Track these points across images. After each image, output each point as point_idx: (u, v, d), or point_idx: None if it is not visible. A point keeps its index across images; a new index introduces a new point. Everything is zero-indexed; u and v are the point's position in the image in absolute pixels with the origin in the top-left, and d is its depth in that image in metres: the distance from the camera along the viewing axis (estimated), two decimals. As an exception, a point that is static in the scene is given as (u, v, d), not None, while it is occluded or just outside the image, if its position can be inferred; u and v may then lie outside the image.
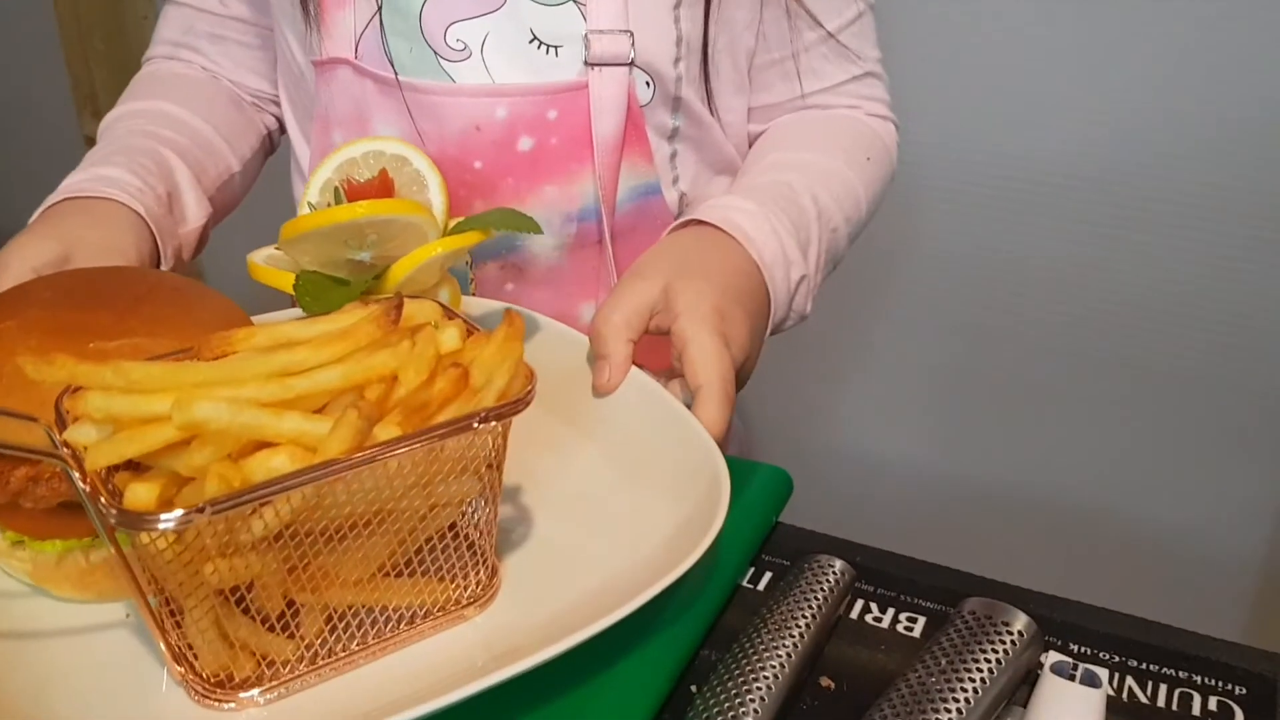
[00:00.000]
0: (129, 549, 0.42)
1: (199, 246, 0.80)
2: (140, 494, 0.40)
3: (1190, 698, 0.49)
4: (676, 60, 0.74)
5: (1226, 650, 0.51)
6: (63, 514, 0.48)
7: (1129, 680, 0.49)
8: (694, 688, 0.49)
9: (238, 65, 0.87)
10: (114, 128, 0.80)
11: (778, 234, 0.69)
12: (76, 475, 0.40)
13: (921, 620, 0.53)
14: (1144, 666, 0.50)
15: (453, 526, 0.48)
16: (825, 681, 0.49)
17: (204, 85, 0.86)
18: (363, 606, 0.47)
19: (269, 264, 0.64)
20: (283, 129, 0.88)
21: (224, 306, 0.55)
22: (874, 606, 0.54)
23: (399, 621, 0.48)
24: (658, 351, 0.63)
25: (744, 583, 0.55)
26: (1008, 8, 1.25)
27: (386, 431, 0.43)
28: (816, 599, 0.51)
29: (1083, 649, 0.51)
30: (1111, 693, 0.48)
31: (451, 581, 0.49)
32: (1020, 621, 0.49)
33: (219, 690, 0.45)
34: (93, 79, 1.89)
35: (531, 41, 0.72)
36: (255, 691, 0.45)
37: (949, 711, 0.44)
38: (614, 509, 0.55)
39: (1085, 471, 1.43)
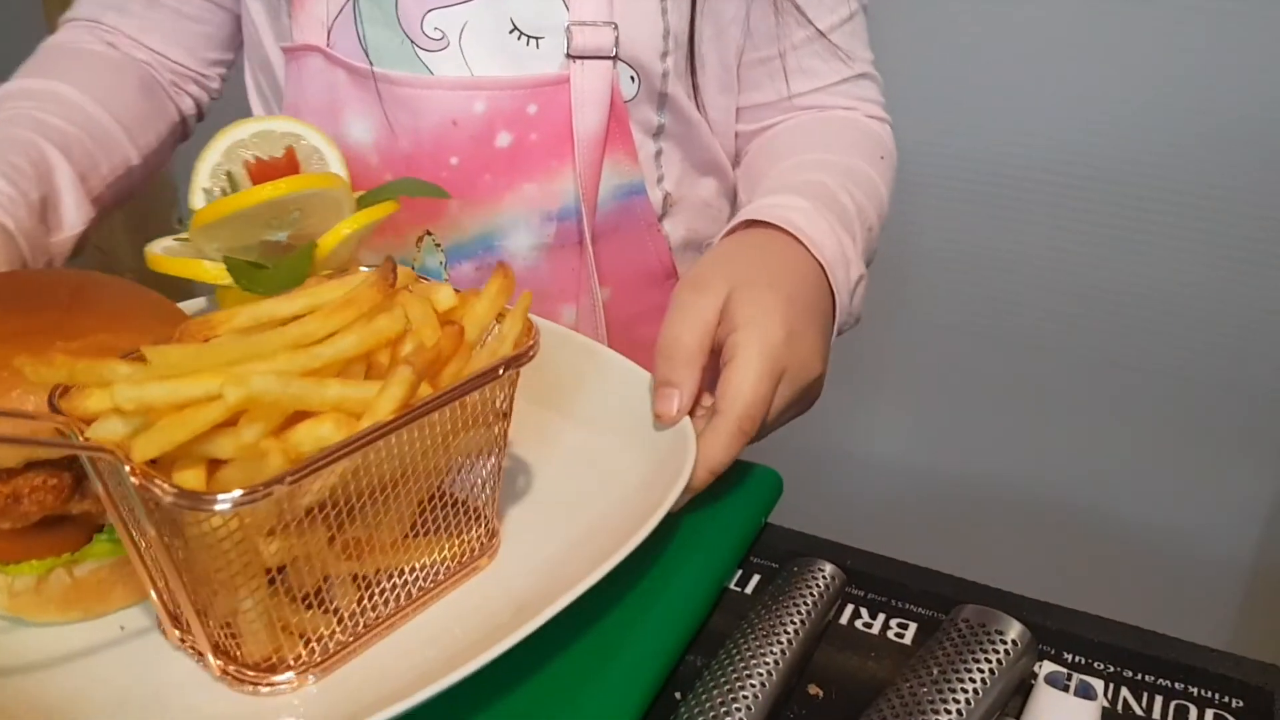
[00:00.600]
0: (172, 542, 0.41)
1: (75, 252, 0.72)
2: (189, 480, 0.40)
3: (1186, 710, 0.47)
4: (664, 54, 0.72)
5: (1223, 661, 0.50)
6: (36, 533, 0.46)
7: (1124, 691, 0.48)
8: (678, 694, 0.47)
9: (167, 36, 0.80)
10: (1, 106, 0.72)
11: (835, 232, 0.65)
12: (127, 469, 0.39)
13: (913, 627, 0.52)
14: (1140, 677, 0.49)
15: (465, 479, 0.49)
16: (813, 689, 0.48)
17: (111, 66, 0.78)
18: (390, 570, 0.47)
19: (170, 254, 0.60)
20: (200, 115, 0.84)
21: (151, 297, 0.53)
22: (864, 612, 0.53)
23: (423, 580, 0.48)
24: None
25: (731, 585, 0.54)
26: (1006, 6, 1.24)
27: (420, 390, 0.44)
28: (806, 604, 0.49)
29: (1077, 658, 0.50)
30: (1106, 704, 0.47)
31: (467, 533, 0.50)
32: (1014, 630, 0.47)
33: (264, 675, 0.44)
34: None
35: (511, 32, 0.69)
36: (290, 674, 0.44)
37: (940, 723, 0.43)
38: (590, 465, 0.57)
39: (1077, 473, 1.43)
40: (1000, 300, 1.38)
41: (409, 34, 0.69)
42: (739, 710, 0.44)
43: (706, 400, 0.57)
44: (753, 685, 0.45)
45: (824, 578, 0.51)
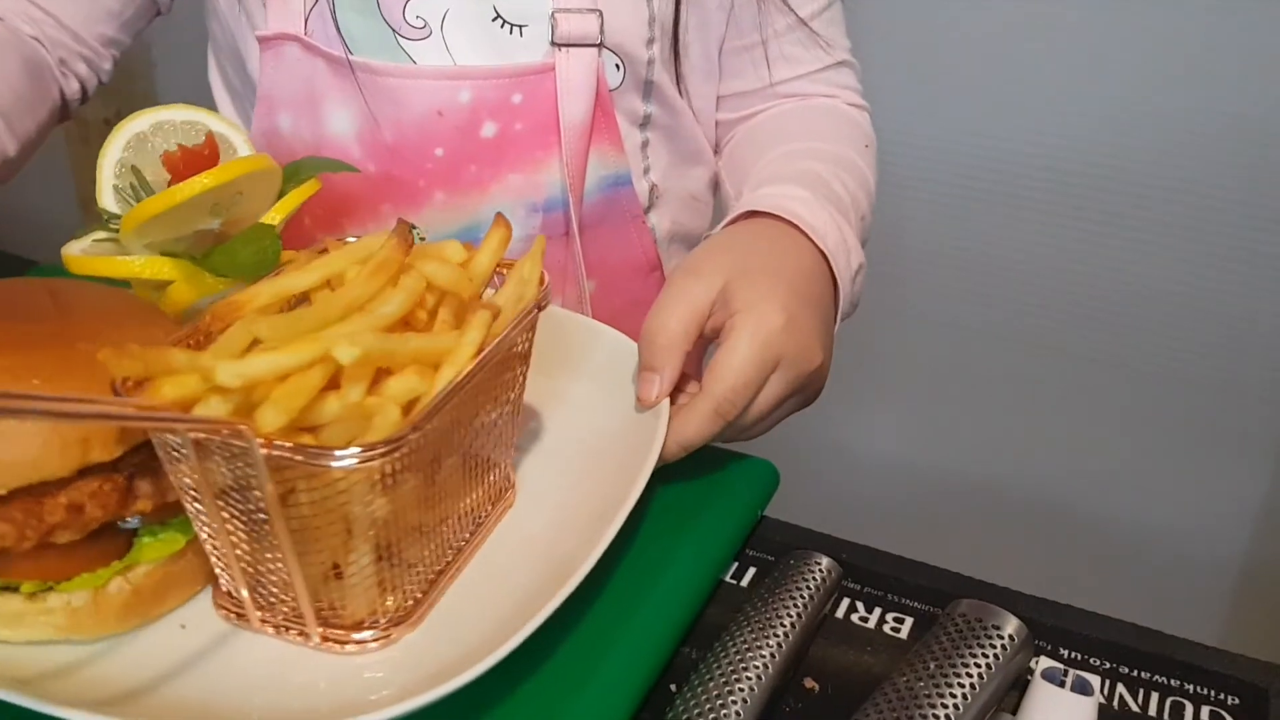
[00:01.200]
0: (293, 510, 0.41)
1: None
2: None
3: (1182, 707, 0.47)
4: (649, 41, 0.70)
5: (1219, 659, 0.50)
6: (84, 545, 0.44)
7: (1120, 688, 0.48)
8: (673, 686, 0.47)
9: (80, 8, 0.74)
10: None
11: (835, 221, 0.64)
12: (258, 443, 0.39)
13: (909, 621, 0.51)
14: (1135, 674, 0.49)
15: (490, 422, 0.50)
16: (809, 683, 0.48)
17: None
18: (448, 516, 0.48)
19: (90, 254, 0.56)
20: (85, 98, 0.78)
21: (122, 295, 0.52)
22: (860, 605, 0.52)
23: (472, 523, 0.50)
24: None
25: (727, 577, 0.54)
26: (1002, 4, 1.24)
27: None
28: (802, 597, 0.49)
29: (1072, 654, 0.50)
30: (1103, 700, 0.47)
31: (498, 472, 0.52)
32: (1011, 625, 0.47)
33: (361, 635, 0.45)
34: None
35: (495, 20, 0.68)
36: (374, 632, 0.45)
37: (937, 717, 0.43)
38: (576, 428, 0.59)
39: (1069, 471, 1.43)
40: (996, 297, 1.38)
41: (390, 22, 0.68)
42: (735, 703, 0.44)
43: (692, 387, 0.57)
44: (749, 678, 0.45)
45: (820, 571, 0.51)
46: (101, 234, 0.58)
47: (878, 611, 0.52)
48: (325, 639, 0.45)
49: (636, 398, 0.56)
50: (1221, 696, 0.48)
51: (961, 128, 1.31)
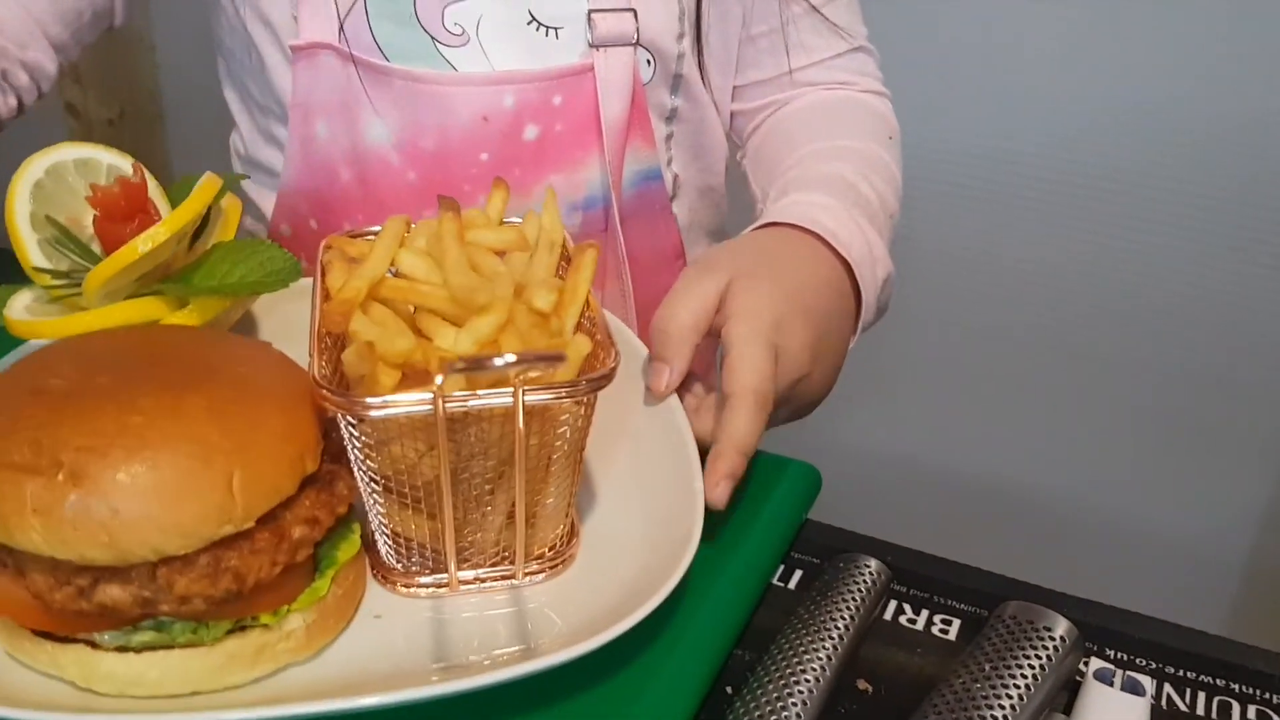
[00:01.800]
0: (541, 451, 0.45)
1: None
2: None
3: (1230, 706, 0.48)
4: (680, 36, 0.71)
5: (1264, 658, 0.50)
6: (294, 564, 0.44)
7: (1167, 687, 0.49)
8: (729, 689, 0.47)
9: (33, 9, 0.71)
10: None
11: (862, 230, 0.64)
12: (550, 394, 0.43)
13: (956, 623, 0.52)
14: (1182, 674, 0.50)
15: None
16: (862, 684, 0.48)
17: None
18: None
19: (36, 315, 0.55)
20: (20, 112, 0.73)
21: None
22: (907, 608, 0.53)
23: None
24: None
25: (775, 580, 0.54)
26: (1005, 4, 1.24)
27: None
28: (854, 599, 0.50)
29: (1119, 655, 0.51)
30: (1152, 700, 0.48)
31: None
32: (1061, 626, 0.48)
33: (552, 562, 0.49)
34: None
35: (530, 23, 0.68)
36: (473, 573, 0.48)
37: (994, 718, 0.44)
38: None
39: (1088, 472, 1.43)
40: (1002, 299, 1.39)
41: (429, 30, 0.68)
42: (795, 704, 0.44)
43: (698, 388, 0.57)
44: (807, 681, 0.45)
45: (870, 574, 0.51)
46: (28, 295, 0.56)
47: (925, 614, 0.53)
48: (526, 574, 0.48)
49: (646, 387, 0.56)
50: (1267, 695, 0.49)
51: (967, 128, 1.32)
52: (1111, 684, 0.47)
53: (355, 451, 0.44)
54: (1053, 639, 0.47)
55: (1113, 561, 1.45)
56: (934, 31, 1.28)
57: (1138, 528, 1.44)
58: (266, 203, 0.77)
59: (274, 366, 0.46)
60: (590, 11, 0.68)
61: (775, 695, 0.45)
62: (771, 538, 0.55)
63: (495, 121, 0.69)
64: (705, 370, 0.61)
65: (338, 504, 0.44)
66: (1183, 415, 1.36)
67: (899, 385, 1.51)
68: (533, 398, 0.42)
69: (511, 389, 0.41)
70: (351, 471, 0.46)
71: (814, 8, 0.76)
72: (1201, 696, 0.49)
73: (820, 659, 0.46)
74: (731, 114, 0.81)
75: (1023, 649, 0.47)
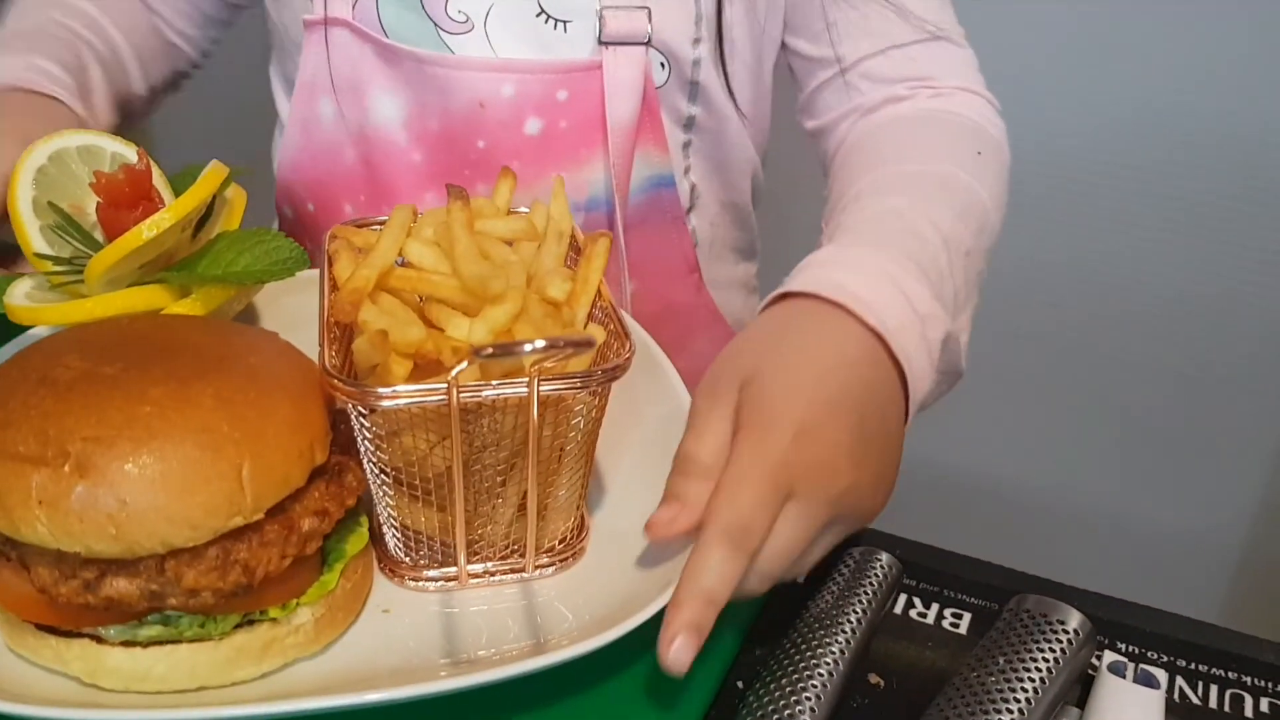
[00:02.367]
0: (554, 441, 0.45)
1: None
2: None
3: (1242, 699, 0.48)
4: (696, 40, 0.69)
5: (1275, 651, 0.50)
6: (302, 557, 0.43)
7: (1179, 680, 0.49)
8: (740, 683, 0.47)
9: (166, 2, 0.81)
10: (28, 10, 0.74)
11: (898, 285, 0.52)
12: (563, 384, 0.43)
13: (967, 617, 0.52)
14: (1194, 667, 0.49)
15: None
16: (874, 678, 0.48)
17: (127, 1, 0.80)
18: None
19: (37, 301, 0.54)
20: (175, 84, 0.85)
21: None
22: (918, 601, 0.53)
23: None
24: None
25: (783, 575, 0.54)
26: (1004, 4, 1.24)
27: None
28: (866, 594, 0.49)
29: (1131, 648, 0.50)
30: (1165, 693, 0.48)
31: None
32: (1075, 620, 0.47)
33: (564, 554, 0.49)
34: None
35: (539, 15, 0.67)
36: (483, 566, 0.48)
37: (1010, 711, 0.43)
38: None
39: (1089, 466, 1.44)
40: (1005, 300, 1.39)
41: (432, 16, 0.68)
42: (809, 699, 0.44)
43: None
44: (820, 674, 0.45)
45: (882, 567, 0.51)
46: (28, 282, 0.55)
47: (935, 607, 0.52)
48: (536, 567, 0.48)
49: (648, 523, 0.46)
50: (1279, 688, 0.48)
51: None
52: (1125, 677, 0.46)
53: (365, 443, 0.44)
54: (1066, 632, 0.47)
55: (1116, 555, 1.45)
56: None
57: (1139, 521, 1.44)
58: None
59: (282, 356, 0.45)
60: (602, 8, 0.66)
61: (789, 689, 0.44)
62: (780, 531, 0.54)
63: (492, 110, 0.68)
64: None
65: (347, 496, 0.44)
66: (1184, 412, 1.36)
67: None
68: (548, 388, 0.42)
69: (527, 379, 0.41)
70: (360, 463, 0.45)
71: None
72: (1214, 689, 0.48)
73: (833, 653, 0.46)
74: (810, 133, 0.76)
75: (1036, 642, 0.46)
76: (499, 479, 0.45)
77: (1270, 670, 0.49)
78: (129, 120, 0.79)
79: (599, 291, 0.49)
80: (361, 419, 0.43)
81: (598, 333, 0.46)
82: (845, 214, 0.60)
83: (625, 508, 0.52)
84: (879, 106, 0.71)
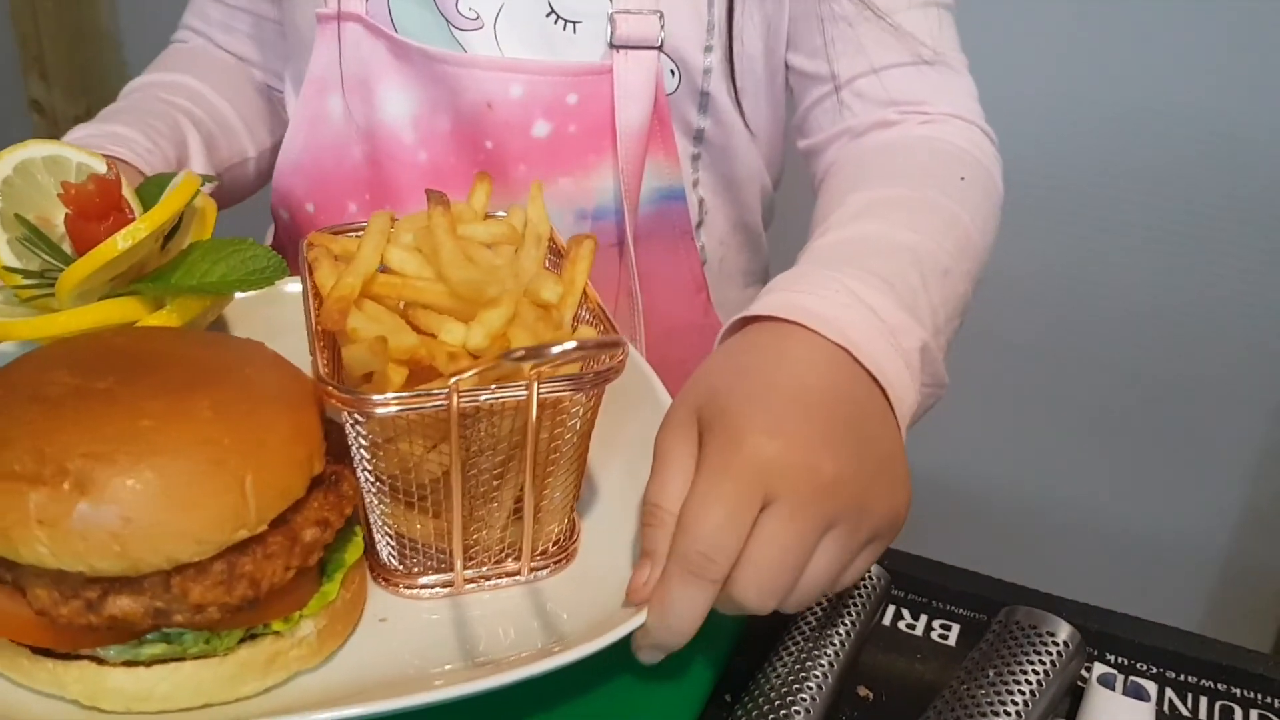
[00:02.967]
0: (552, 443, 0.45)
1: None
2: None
3: (1231, 711, 0.48)
4: (706, 48, 0.68)
5: (1265, 662, 0.50)
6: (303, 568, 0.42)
7: (1169, 692, 0.48)
8: (728, 696, 0.46)
9: (251, 58, 0.83)
10: (132, 94, 0.77)
11: (860, 299, 0.50)
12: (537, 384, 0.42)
13: (955, 628, 0.51)
14: (1183, 679, 0.49)
15: None
16: (863, 691, 0.48)
17: (230, 68, 0.82)
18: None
19: (4, 316, 0.53)
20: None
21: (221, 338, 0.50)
22: (906, 613, 0.52)
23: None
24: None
25: (770, 586, 0.53)
26: (1009, 9, 1.24)
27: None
28: (855, 606, 0.49)
29: (1121, 660, 0.50)
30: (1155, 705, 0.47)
31: None
32: (1064, 631, 0.47)
33: (558, 558, 0.48)
34: (40, 38, 1.81)
35: (549, 15, 0.66)
36: (477, 571, 0.47)
37: (1000, 724, 0.43)
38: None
39: (1078, 474, 1.44)
40: (997, 307, 1.39)
41: (444, 12, 0.67)
42: (798, 712, 0.43)
43: None
44: (810, 687, 0.44)
45: (870, 579, 0.51)
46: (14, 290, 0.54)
47: (924, 619, 0.52)
48: (532, 569, 0.47)
49: (630, 590, 0.44)
50: (1269, 699, 0.48)
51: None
52: (1115, 689, 0.46)
53: (360, 451, 0.43)
54: (1056, 644, 0.46)
55: (1103, 562, 1.45)
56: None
57: (1126, 528, 1.44)
58: None
59: (273, 367, 0.44)
60: (614, 12, 0.65)
61: (778, 702, 0.44)
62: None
63: (500, 110, 0.67)
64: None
65: (345, 505, 0.43)
66: (1171, 419, 1.36)
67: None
68: (547, 390, 0.41)
69: (526, 382, 0.40)
70: (355, 472, 0.44)
71: (865, 4, 0.66)
72: (1204, 701, 0.48)
73: (823, 665, 0.46)
74: (802, 153, 0.74)
75: (1026, 654, 0.46)
76: (494, 483, 0.45)
77: (1260, 682, 0.49)
78: (245, 186, 0.81)
79: (585, 293, 0.48)
80: (357, 426, 0.42)
81: (589, 335, 0.45)
82: (815, 240, 0.58)
83: (614, 511, 0.52)
84: (868, 131, 0.69)
